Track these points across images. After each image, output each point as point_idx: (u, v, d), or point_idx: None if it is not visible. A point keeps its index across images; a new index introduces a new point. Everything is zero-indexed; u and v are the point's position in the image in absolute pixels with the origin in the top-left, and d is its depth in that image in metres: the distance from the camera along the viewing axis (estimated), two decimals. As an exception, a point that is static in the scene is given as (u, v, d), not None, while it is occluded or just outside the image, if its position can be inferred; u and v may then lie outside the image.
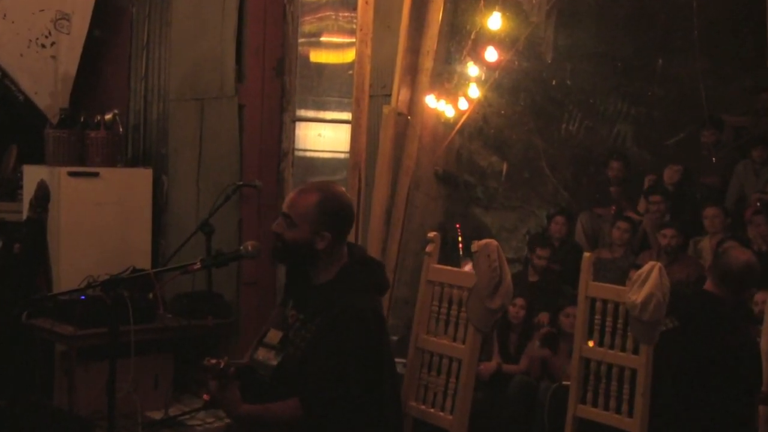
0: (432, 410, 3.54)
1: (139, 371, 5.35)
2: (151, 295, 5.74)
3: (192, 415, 5.73)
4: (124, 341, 4.93)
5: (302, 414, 2.88)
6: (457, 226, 6.66)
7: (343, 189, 3.17)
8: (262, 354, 3.07)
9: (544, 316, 5.59)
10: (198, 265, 3.10)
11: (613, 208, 6.58)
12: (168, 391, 5.82)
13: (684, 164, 6.51)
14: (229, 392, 2.85)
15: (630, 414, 3.63)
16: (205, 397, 2.83)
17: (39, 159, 6.33)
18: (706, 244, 5.74)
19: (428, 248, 3.72)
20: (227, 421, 5.34)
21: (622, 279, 5.31)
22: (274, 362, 3.01)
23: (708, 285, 3.96)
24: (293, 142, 6.80)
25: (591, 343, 3.84)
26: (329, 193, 3.03)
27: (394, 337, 5.80)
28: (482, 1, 5.77)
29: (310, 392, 2.88)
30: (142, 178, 6.43)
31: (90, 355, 5.50)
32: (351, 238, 3.18)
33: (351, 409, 2.90)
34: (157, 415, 5.68)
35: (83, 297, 5.42)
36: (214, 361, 2.82)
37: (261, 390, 2.96)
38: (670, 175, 6.45)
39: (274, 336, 3.09)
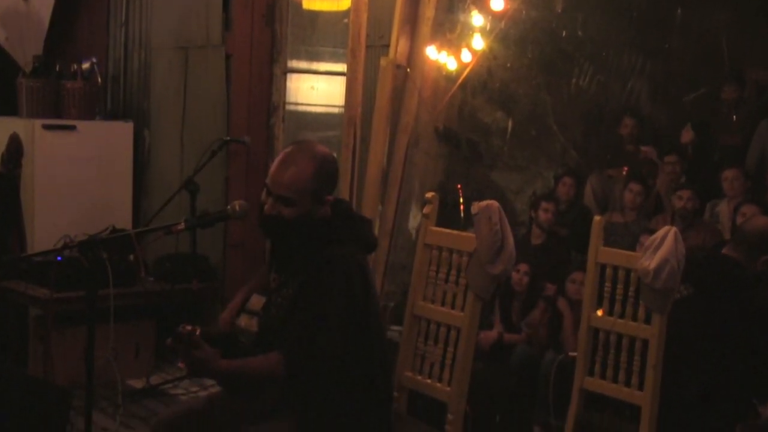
0: (429, 381, 3.55)
1: (119, 338, 5.37)
2: (131, 257, 5.74)
3: (175, 383, 5.76)
4: (103, 306, 4.94)
5: (283, 368, 2.87)
6: (458, 186, 6.66)
7: (318, 144, 3.14)
8: (244, 321, 3.07)
9: (551, 288, 5.59)
10: (182, 226, 3.09)
11: (625, 169, 6.57)
12: (150, 358, 5.85)
13: (700, 122, 6.49)
14: (202, 351, 2.82)
15: (640, 387, 3.64)
16: (182, 365, 2.82)
17: (11, 110, 6.30)
18: (723, 208, 5.73)
19: (426, 209, 3.71)
20: (211, 390, 5.38)
21: (633, 244, 5.33)
22: (257, 329, 3.01)
23: (726, 249, 3.97)
24: (284, 95, 6.77)
25: (600, 312, 3.85)
26: (319, 157, 3.00)
27: (390, 304, 5.82)
28: (488, -55, 5.72)
29: (292, 343, 2.88)
30: (122, 132, 6.40)
31: (66, 321, 5.51)
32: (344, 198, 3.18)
33: (335, 364, 2.90)
34: (139, 384, 5.71)
35: (59, 258, 5.41)
36: (189, 327, 2.81)
37: (244, 357, 2.97)
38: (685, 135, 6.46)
39: (257, 302, 3.09)
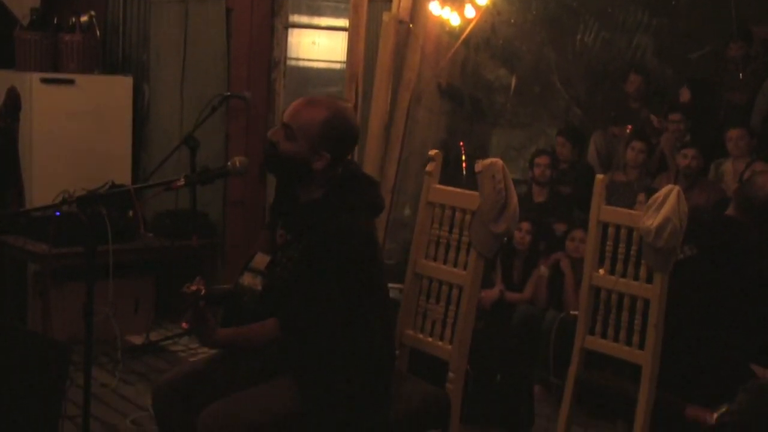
0: (430, 340, 3.56)
1: (119, 294, 5.38)
2: (131, 213, 5.73)
3: (174, 340, 5.79)
4: (102, 262, 4.95)
5: (279, 335, 2.90)
6: (461, 144, 6.64)
7: (351, 108, 3.14)
8: (248, 279, 3.07)
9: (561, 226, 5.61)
10: (182, 182, 3.08)
11: (629, 127, 6.55)
12: (149, 315, 5.87)
13: (700, 80, 6.46)
14: (203, 320, 2.86)
15: (641, 346, 3.65)
16: (184, 325, 2.85)
17: (8, 63, 6.26)
18: (728, 168, 5.71)
19: (429, 167, 3.69)
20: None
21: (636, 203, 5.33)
22: (261, 288, 3.02)
23: (731, 210, 3.95)
24: (285, 50, 6.73)
25: (602, 272, 3.85)
26: (339, 111, 2.99)
27: (391, 261, 5.83)
28: None
29: (288, 313, 2.90)
30: (121, 86, 6.37)
31: (65, 276, 5.53)
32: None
33: (332, 333, 2.92)
34: (138, 340, 5.73)
35: (58, 213, 5.41)
36: (194, 287, 2.81)
37: (246, 317, 2.98)
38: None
39: (261, 261, 3.09)
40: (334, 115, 2.97)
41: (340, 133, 2.99)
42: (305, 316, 2.89)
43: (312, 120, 2.94)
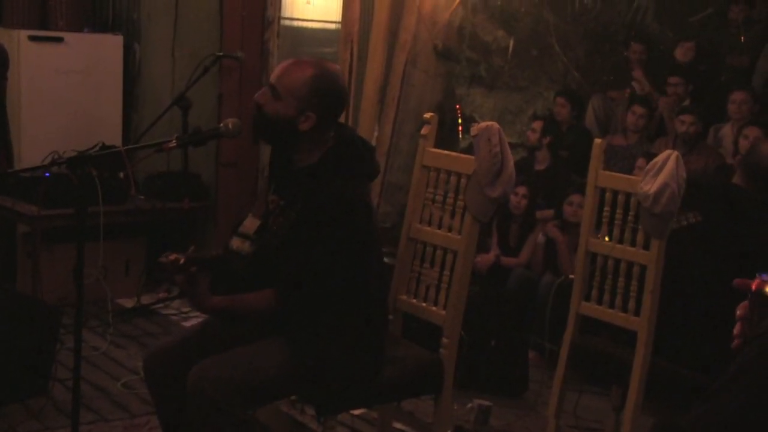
0: (424, 305, 3.57)
1: (109, 256, 5.39)
2: (121, 175, 5.72)
3: (166, 303, 5.80)
4: (93, 224, 4.94)
5: (277, 306, 2.91)
6: (457, 107, 6.63)
7: (340, 69, 3.13)
8: (236, 244, 3.06)
9: (548, 213, 5.62)
10: (173, 143, 3.07)
11: (627, 91, 6.55)
12: (140, 278, 5.88)
13: (704, 42, 6.43)
14: (196, 286, 2.85)
15: (637, 313, 3.66)
16: (162, 294, 2.84)
17: (-4, 20, 6.23)
18: (727, 132, 5.72)
19: (424, 130, 3.68)
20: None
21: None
22: (250, 253, 3.02)
23: (737, 179, 3.95)
24: (279, 9, 6.68)
25: (606, 239, 3.85)
26: (325, 71, 2.98)
27: (386, 225, 5.84)
28: None
29: (287, 283, 2.90)
30: (111, 45, 6.33)
31: (55, 238, 5.53)
32: (341, 118, 3.15)
33: (331, 303, 2.93)
34: (129, 303, 5.74)
35: (47, 174, 5.40)
36: (173, 257, 2.80)
37: (234, 281, 2.98)
38: (683, 52, 6.40)
39: (250, 224, 3.08)
40: (320, 74, 2.96)
41: (326, 93, 2.97)
42: (302, 285, 2.89)
43: (297, 78, 2.94)
